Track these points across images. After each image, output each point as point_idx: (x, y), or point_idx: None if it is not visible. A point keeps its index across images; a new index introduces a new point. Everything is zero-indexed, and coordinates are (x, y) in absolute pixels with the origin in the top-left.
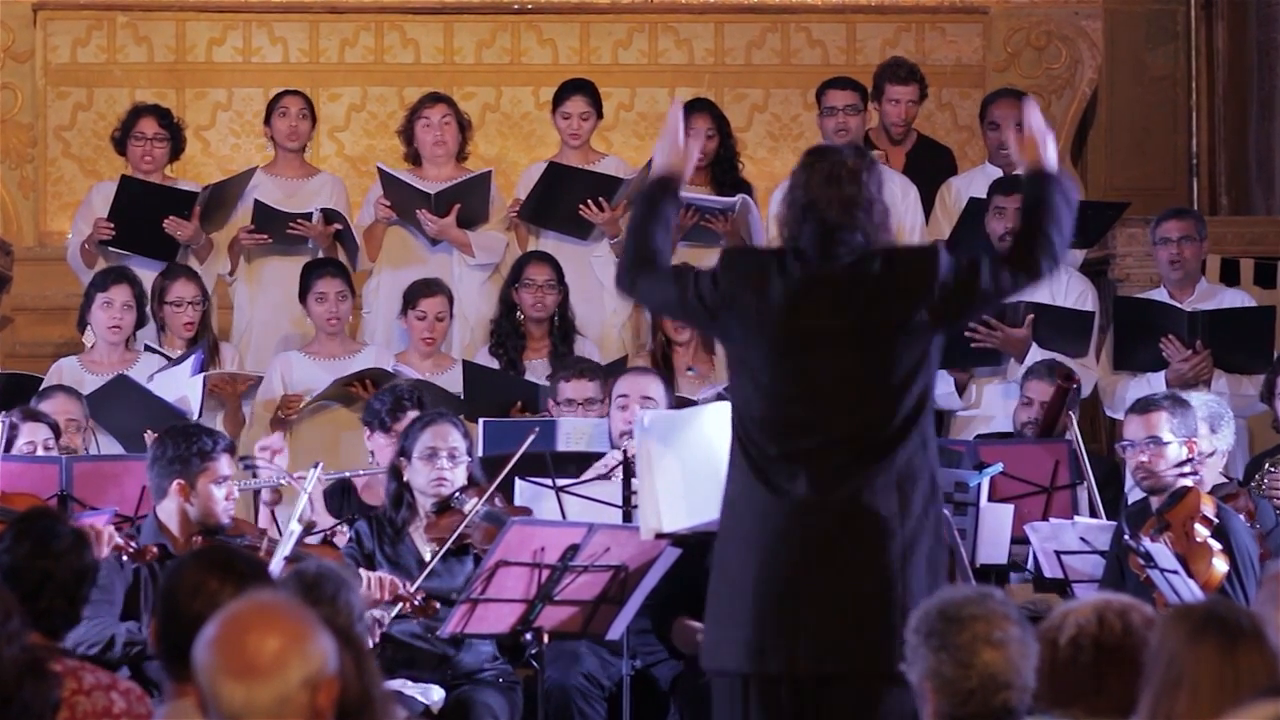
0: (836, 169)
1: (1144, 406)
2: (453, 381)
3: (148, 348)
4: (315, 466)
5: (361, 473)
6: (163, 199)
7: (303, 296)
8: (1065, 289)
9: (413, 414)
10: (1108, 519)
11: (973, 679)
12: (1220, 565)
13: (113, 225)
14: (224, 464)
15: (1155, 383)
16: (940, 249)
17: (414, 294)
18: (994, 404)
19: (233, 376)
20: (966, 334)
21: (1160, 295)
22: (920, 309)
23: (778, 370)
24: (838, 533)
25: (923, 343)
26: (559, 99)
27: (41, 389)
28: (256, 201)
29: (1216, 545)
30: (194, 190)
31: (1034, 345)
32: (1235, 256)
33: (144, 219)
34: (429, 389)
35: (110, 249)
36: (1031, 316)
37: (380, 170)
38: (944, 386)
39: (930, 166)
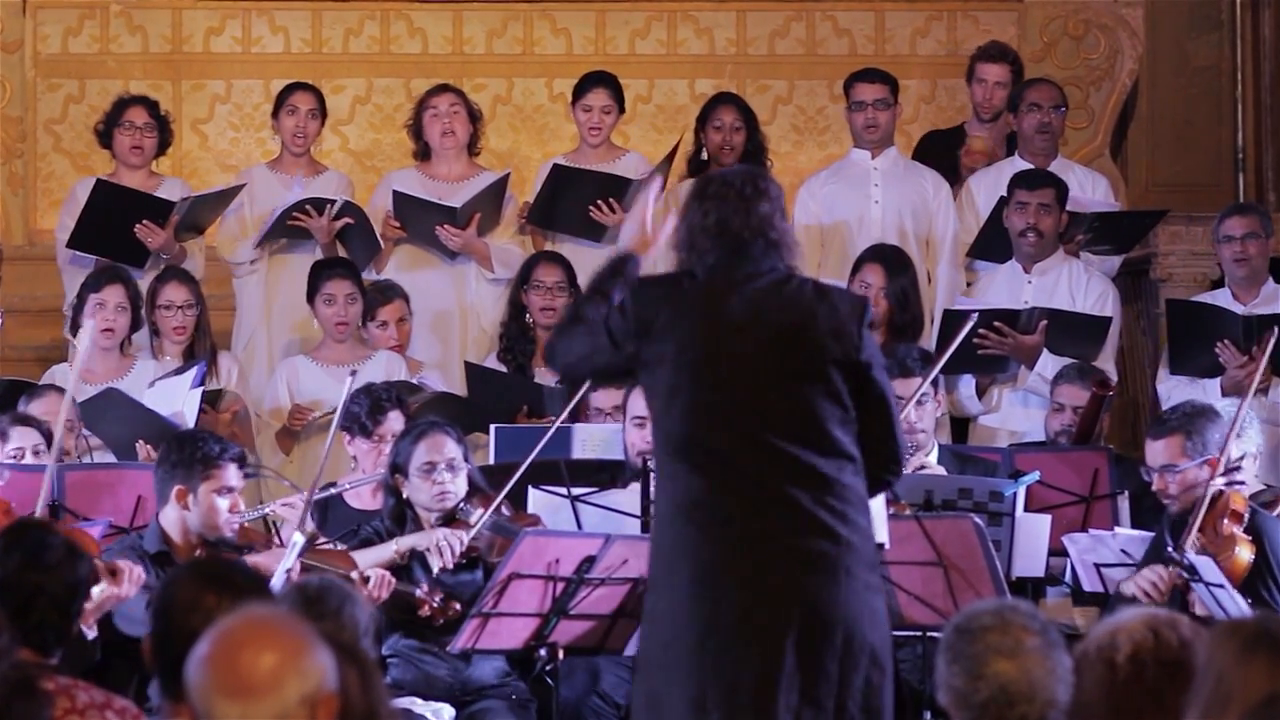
0: (740, 186)
1: (1158, 431)
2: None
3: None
4: (301, 492)
5: (347, 485)
6: (137, 205)
7: (310, 298)
8: (1085, 289)
9: (393, 414)
10: (1149, 528)
11: (982, 690)
12: (1244, 553)
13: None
14: (230, 474)
15: (1210, 389)
16: (869, 310)
17: (370, 303)
18: (1014, 410)
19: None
20: (975, 340)
21: (1224, 297)
22: (835, 361)
23: (700, 390)
24: (771, 571)
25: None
26: (579, 91)
27: (30, 390)
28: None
29: (1244, 536)
30: (170, 200)
31: (1045, 351)
32: None
33: (115, 223)
34: (450, 402)
35: (77, 252)
36: (1044, 323)
37: (395, 193)
38: (965, 389)
39: None
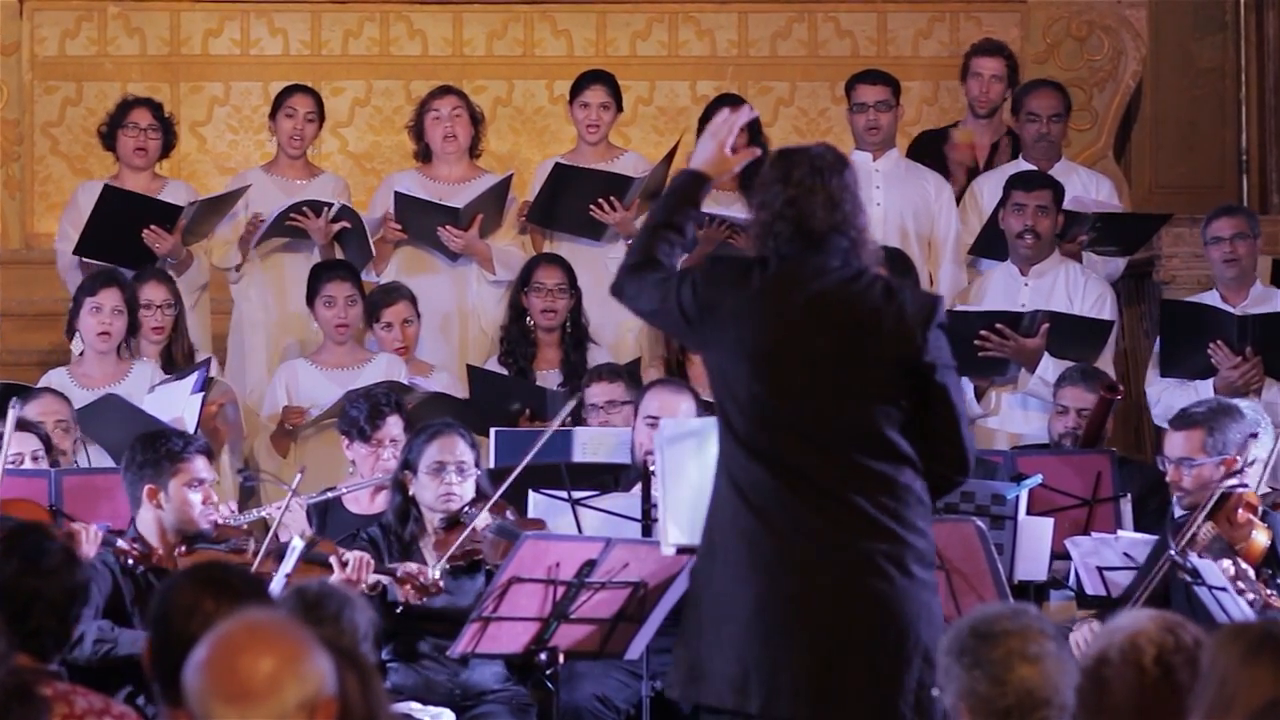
0: (827, 179)
1: (1180, 422)
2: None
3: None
4: (294, 494)
5: (345, 489)
6: (145, 210)
7: (310, 300)
8: (1084, 292)
9: (392, 419)
10: (1153, 531)
11: (1009, 696)
12: (1261, 537)
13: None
14: (198, 466)
15: (1203, 390)
16: (940, 309)
17: (375, 305)
18: (1013, 413)
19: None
20: (976, 343)
21: (1212, 298)
22: (897, 362)
23: (759, 385)
24: (825, 566)
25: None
26: (577, 88)
27: (25, 393)
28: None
29: (1260, 522)
30: (178, 205)
31: (1045, 353)
32: None
33: (123, 228)
34: (445, 402)
35: (83, 258)
36: (1046, 326)
37: (397, 195)
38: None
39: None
